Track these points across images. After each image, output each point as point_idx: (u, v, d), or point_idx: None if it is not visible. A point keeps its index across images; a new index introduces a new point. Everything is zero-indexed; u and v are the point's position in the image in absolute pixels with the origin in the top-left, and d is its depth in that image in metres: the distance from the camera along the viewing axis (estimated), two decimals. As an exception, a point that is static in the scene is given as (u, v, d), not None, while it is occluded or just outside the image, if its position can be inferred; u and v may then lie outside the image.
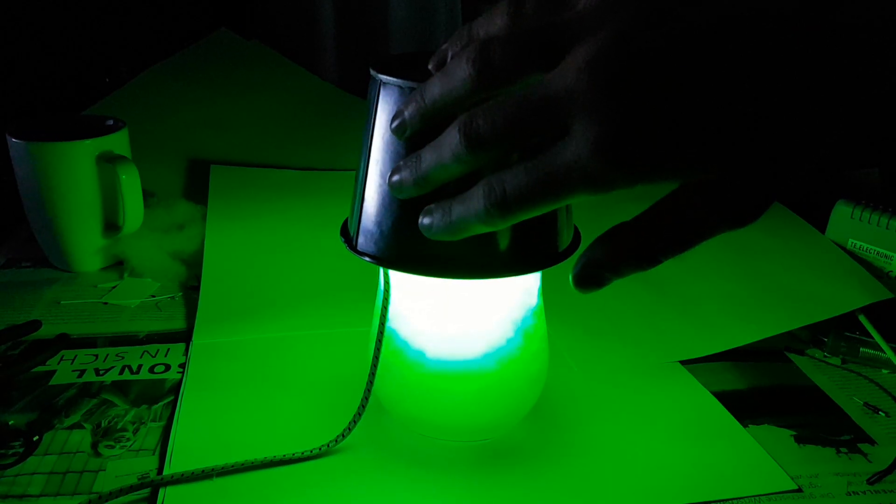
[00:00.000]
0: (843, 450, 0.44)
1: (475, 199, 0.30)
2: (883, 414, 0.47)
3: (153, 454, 0.42)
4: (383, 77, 0.35)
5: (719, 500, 0.40)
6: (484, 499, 0.39)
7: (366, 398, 0.41)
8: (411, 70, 0.35)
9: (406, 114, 0.32)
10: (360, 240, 0.37)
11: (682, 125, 0.27)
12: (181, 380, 0.49)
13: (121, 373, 0.50)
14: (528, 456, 0.42)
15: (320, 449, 0.41)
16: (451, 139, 0.30)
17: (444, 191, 0.32)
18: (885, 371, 0.52)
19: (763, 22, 0.26)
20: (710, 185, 0.28)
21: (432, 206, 0.32)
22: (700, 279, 0.60)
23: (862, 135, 0.76)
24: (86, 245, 0.62)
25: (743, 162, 0.27)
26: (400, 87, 0.34)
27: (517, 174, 0.29)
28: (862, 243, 0.61)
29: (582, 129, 0.27)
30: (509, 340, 0.40)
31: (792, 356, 0.54)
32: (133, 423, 0.45)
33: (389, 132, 0.35)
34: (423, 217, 0.32)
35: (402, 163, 0.33)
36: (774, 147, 0.27)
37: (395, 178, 0.33)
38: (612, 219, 0.75)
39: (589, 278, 0.31)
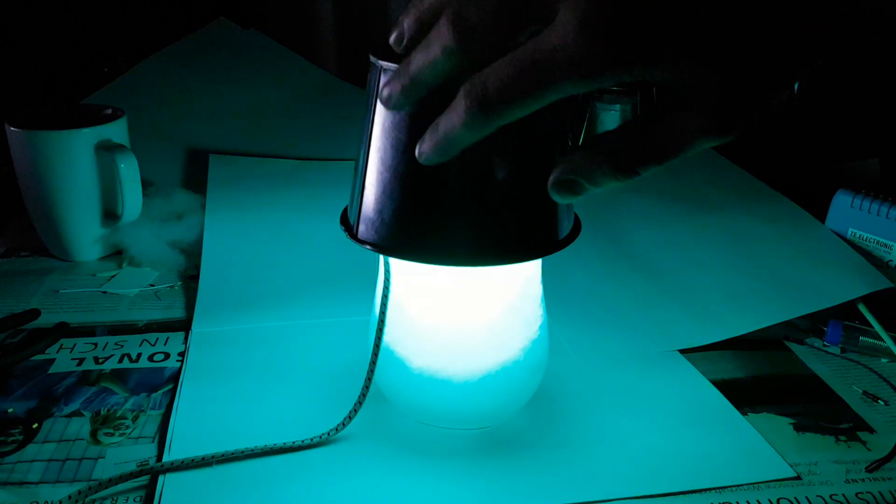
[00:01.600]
0: (842, 438, 0.44)
1: (457, 103, 0.29)
2: (882, 402, 0.47)
3: (152, 442, 0.42)
4: (384, 63, 0.35)
5: (719, 488, 0.40)
6: (484, 486, 0.39)
7: (366, 386, 0.41)
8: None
9: (402, 23, 0.31)
10: (361, 228, 0.37)
11: (667, 9, 0.26)
12: (180, 368, 0.49)
13: (120, 361, 0.50)
14: (527, 444, 0.43)
15: (321, 437, 0.41)
16: (440, 32, 0.29)
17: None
18: (884, 360, 0.52)
19: None
20: (691, 91, 0.28)
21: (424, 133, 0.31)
22: (699, 268, 0.60)
23: (862, 125, 0.76)
24: (84, 234, 0.62)
25: (726, 61, 0.27)
26: (400, 73, 0.34)
27: (500, 66, 0.28)
28: (862, 232, 0.61)
29: (568, 9, 0.26)
30: (509, 328, 0.40)
31: (791, 345, 0.54)
32: (132, 411, 0.45)
33: (390, 119, 0.35)
34: (417, 146, 0.31)
35: (391, 73, 0.32)
36: (759, 55, 0.27)
37: (385, 90, 0.31)
38: (613, 210, 0.75)
39: (564, 184, 0.31)
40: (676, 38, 0.26)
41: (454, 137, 0.30)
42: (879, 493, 0.40)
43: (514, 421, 0.44)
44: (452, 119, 0.29)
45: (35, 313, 0.54)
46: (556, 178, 0.31)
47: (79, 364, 0.49)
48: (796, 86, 0.77)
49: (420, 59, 0.30)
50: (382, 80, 0.35)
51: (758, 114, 0.28)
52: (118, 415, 0.44)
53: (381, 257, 0.40)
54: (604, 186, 0.30)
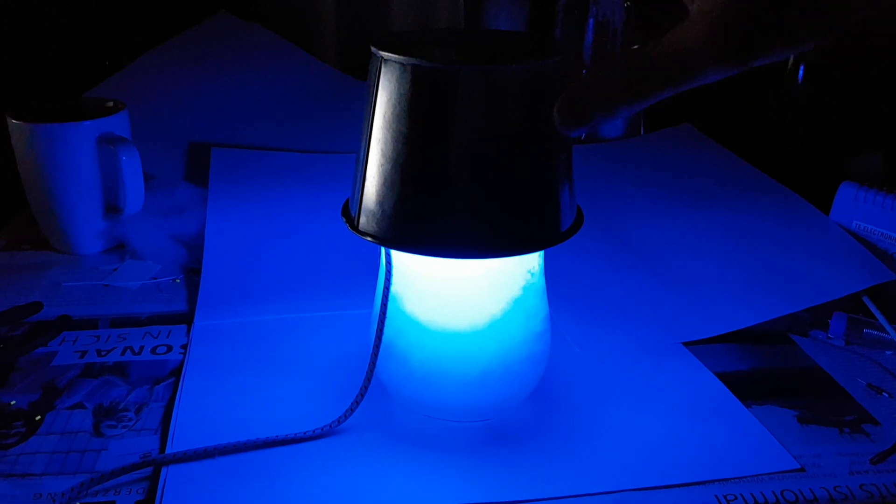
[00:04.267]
0: (847, 430, 0.44)
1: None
2: (886, 394, 0.47)
3: (155, 434, 0.42)
4: (385, 54, 0.35)
5: (723, 480, 0.40)
6: (485, 479, 0.39)
7: (368, 379, 0.41)
8: (413, 47, 0.35)
9: None
10: (362, 220, 0.37)
11: None
12: (183, 361, 0.49)
13: (122, 354, 0.50)
14: (529, 436, 0.42)
15: (323, 429, 0.41)
16: None
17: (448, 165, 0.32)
18: (888, 352, 0.52)
19: None
20: (701, 14, 0.27)
21: None
22: (703, 261, 0.60)
23: (865, 120, 0.76)
24: (87, 227, 0.62)
25: None
26: (402, 64, 0.34)
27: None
28: (866, 225, 0.60)
29: None
30: (511, 321, 0.40)
31: (795, 338, 0.53)
32: (135, 404, 0.45)
33: (391, 111, 0.35)
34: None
35: None
36: None
37: None
38: (616, 203, 0.74)
39: (573, 112, 0.29)
40: None
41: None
42: (884, 485, 0.40)
43: (517, 414, 0.44)
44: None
45: (38, 306, 0.54)
46: (563, 106, 0.29)
47: (81, 357, 0.49)
48: (801, 76, 0.76)
49: None
50: (383, 71, 0.35)
51: (760, 46, 0.27)
52: (121, 407, 0.44)
53: (383, 249, 0.40)
54: (614, 112, 0.29)
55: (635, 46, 0.84)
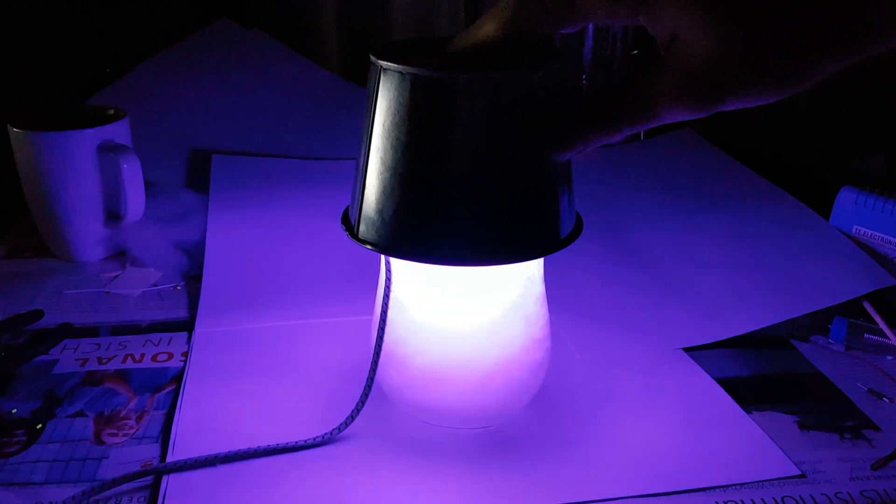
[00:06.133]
0: (847, 436, 0.44)
1: None
2: (887, 400, 0.47)
3: (156, 442, 0.42)
4: (384, 63, 0.35)
5: (723, 486, 0.39)
6: (486, 486, 0.39)
7: (368, 386, 0.41)
8: (412, 56, 0.35)
9: None
10: (362, 228, 0.37)
11: None
12: (184, 368, 0.49)
13: (124, 361, 0.50)
14: (530, 443, 0.42)
15: (323, 437, 0.41)
16: None
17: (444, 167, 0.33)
18: (889, 357, 0.52)
19: None
20: (678, 49, 0.29)
21: None
22: (703, 266, 0.60)
23: (867, 122, 0.76)
24: (88, 235, 0.62)
25: (727, 26, 0.27)
26: (401, 73, 0.34)
27: None
28: (866, 229, 0.60)
29: None
30: (511, 327, 0.40)
31: (796, 343, 0.53)
32: (136, 412, 0.45)
33: (390, 119, 0.35)
34: None
35: None
36: (768, 38, 0.27)
37: None
38: (616, 209, 0.74)
39: (559, 141, 0.34)
40: None
41: None
42: (885, 490, 0.40)
43: (517, 420, 0.44)
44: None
45: (38, 314, 0.54)
46: (552, 138, 0.34)
47: (82, 365, 0.49)
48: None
49: None
50: (383, 79, 0.35)
51: (730, 96, 0.28)
52: (122, 415, 0.44)
53: (382, 257, 0.40)
54: (594, 143, 0.33)
55: (634, 52, 0.84)
